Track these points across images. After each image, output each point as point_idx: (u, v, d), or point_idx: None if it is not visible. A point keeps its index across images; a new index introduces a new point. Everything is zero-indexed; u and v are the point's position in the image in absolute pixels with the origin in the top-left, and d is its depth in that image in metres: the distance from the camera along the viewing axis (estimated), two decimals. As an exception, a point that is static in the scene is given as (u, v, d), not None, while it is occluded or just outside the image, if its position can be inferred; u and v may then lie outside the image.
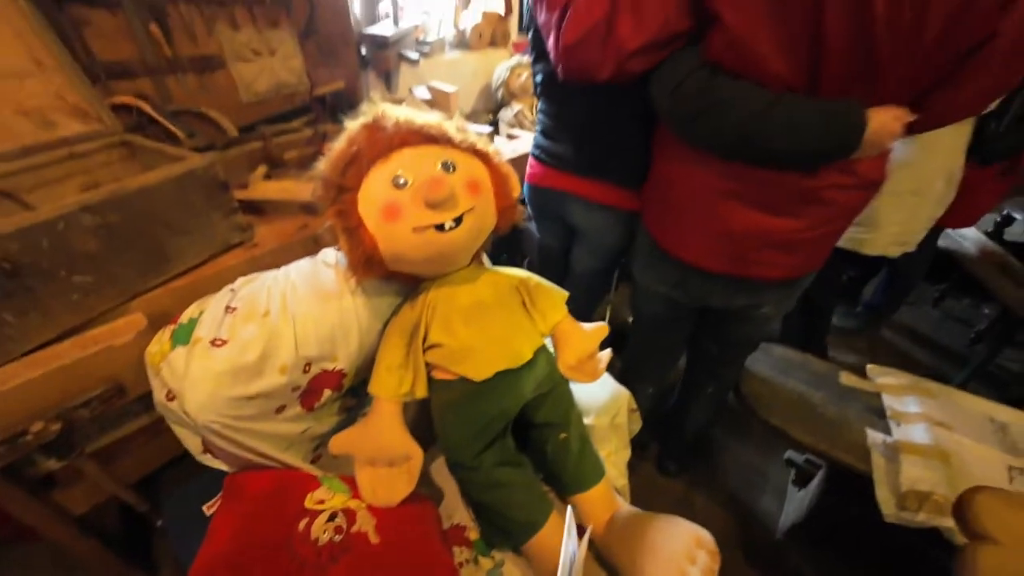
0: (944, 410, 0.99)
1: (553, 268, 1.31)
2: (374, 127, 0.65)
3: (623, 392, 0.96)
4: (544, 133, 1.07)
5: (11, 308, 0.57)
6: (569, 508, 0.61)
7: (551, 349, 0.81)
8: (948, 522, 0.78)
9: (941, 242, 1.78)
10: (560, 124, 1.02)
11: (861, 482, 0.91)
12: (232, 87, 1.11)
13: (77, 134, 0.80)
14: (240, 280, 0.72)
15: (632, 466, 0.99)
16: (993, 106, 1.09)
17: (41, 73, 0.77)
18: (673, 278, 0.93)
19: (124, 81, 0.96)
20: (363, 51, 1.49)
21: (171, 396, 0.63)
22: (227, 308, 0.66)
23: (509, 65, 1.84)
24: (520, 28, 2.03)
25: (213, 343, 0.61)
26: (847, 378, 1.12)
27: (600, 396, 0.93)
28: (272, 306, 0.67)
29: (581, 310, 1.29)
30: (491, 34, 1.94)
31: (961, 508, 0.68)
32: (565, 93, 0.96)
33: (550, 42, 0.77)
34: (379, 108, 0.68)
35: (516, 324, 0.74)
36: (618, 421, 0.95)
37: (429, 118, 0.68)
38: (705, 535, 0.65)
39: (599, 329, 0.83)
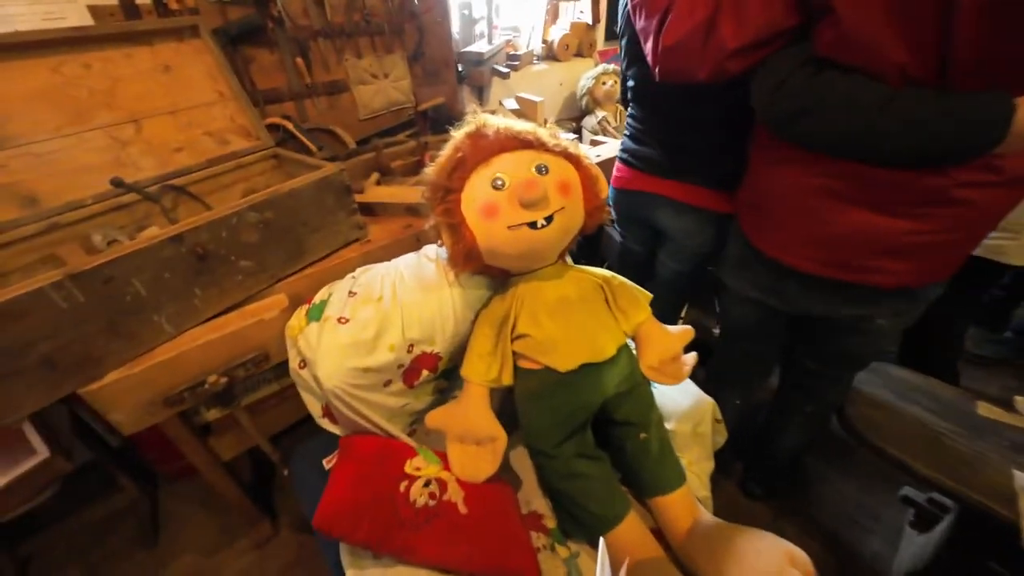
0: None
1: (633, 272, 1.29)
2: (477, 135, 0.72)
3: (707, 400, 0.93)
4: (632, 138, 1.08)
5: (200, 284, 0.73)
6: (601, 541, 0.61)
7: (633, 350, 0.82)
8: None
9: None
10: (650, 128, 1.02)
11: (1002, 531, 0.77)
12: (353, 106, 1.28)
13: (243, 149, 0.99)
14: (359, 269, 0.84)
15: (713, 483, 0.94)
16: None
17: (222, 102, 0.97)
18: (768, 282, 0.88)
19: (275, 105, 1.17)
20: (460, 68, 1.62)
21: (303, 364, 0.76)
22: (349, 293, 0.77)
23: (594, 74, 1.87)
24: (607, 37, 2.05)
25: (339, 320, 0.73)
26: (986, 409, 0.96)
27: (682, 402, 0.91)
28: (385, 293, 0.77)
29: (664, 316, 1.27)
30: (577, 44, 1.99)
31: None
32: (657, 97, 0.97)
33: (648, 45, 0.78)
34: (481, 118, 0.75)
35: (599, 321, 0.76)
36: (701, 430, 0.92)
37: (525, 125, 0.74)
38: (799, 553, 0.61)
39: (684, 332, 0.83)
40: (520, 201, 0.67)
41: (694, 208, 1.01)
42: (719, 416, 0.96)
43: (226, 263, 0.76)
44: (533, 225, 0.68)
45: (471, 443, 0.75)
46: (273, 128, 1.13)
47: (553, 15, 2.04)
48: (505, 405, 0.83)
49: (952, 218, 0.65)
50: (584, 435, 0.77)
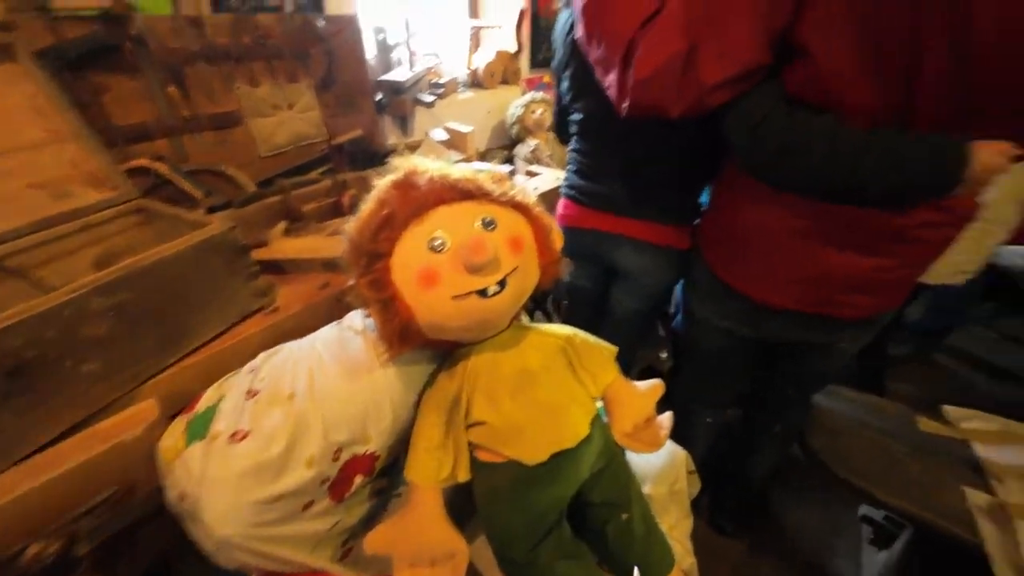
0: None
1: (585, 311, 1.23)
2: (406, 184, 0.59)
3: (680, 453, 0.87)
4: (581, 173, 1.01)
5: (10, 409, 0.51)
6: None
7: (603, 416, 0.72)
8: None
9: (996, 259, 1.67)
10: (602, 163, 0.96)
11: (957, 549, 0.79)
12: (250, 142, 1.08)
13: (92, 203, 0.76)
14: (262, 356, 0.66)
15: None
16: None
17: (57, 143, 0.74)
18: (740, 314, 0.86)
19: (142, 144, 0.94)
20: (379, 97, 1.48)
21: (185, 497, 0.56)
22: (248, 392, 0.59)
23: (523, 102, 1.82)
24: (532, 65, 2.03)
25: (233, 437, 0.54)
26: (925, 424, 1.00)
27: (656, 462, 0.83)
28: (298, 386, 0.60)
29: (622, 356, 1.21)
30: (503, 72, 1.93)
31: None
32: (612, 132, 0.91)
33: (611, 77, 0.72)
34: (410, 163, 0.63)
35: (568, 392, 0.65)
36: (677, 488, 0.85)
37: (464, 171, 0.63)
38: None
39: (654, 389, 0.75)
40: (467, 265, 0.54)
41: (655, 246, 0.95)
42: (692, 466, 0.90)
43: (56, 372, 0.54)
44: (483, 293, 0.56)
45: (425, 565, 0.60)
46: (141, 173, 0.90)
47: (475, 42, 1.98)
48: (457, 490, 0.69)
49: (912, 255, 0.69)
50: (560, 531, 0.65)
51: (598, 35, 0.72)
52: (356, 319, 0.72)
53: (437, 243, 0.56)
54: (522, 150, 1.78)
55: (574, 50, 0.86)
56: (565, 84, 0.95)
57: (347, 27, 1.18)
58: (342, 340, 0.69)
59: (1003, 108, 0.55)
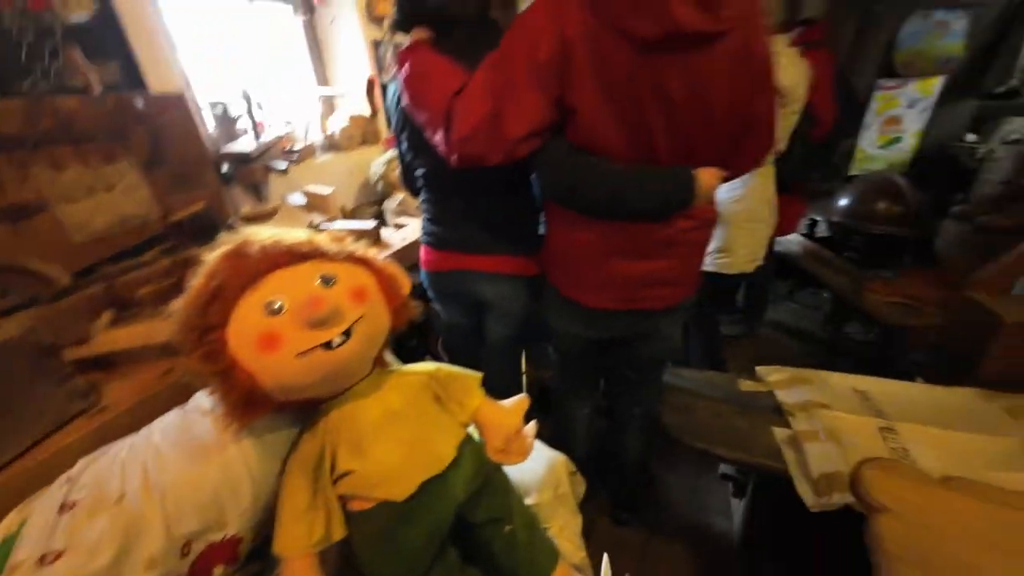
0: (821, 392, 1.14)
1: (464, 345, 1.30)
2: (236, 255, 0.61)
3: (559, 458, 0.95)
4: (433, 221, 1.10)
5: None
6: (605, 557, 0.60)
7: (476, 439, 0.78)
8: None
9: (777, 248, 2.17)
10: (447, 210, 1.07)
11: (781, 480, 0.98)
12: (59, 230, 0.97)
13: None
14: (81, 463, 0.59)
15: (588, 526, 0.96)
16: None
17: None
18: (581, 320, 1.01)
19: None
20: (225, 168, 1.44)
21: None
22: (62, 507, 0.52)
23: (385, 160, 1.91)
24: (389, 125, 2.14)
25: (43, 561, 0.48)
26: (744, 384, 1.24)
27: (537, 470, 0.90)
28: (129, 486, 0.55)
29: (504, 379, 1.30)
30: (361, 134, 2.01)
31: (855, 485, 0.76)
32: (450, 181, 1.02)
33: (438, 137, 0.84)
34: (244, 233, 0.65)
35: (433, 423, 0.70)
36: (561, 491, 0.92)
37: (299, 235, 0.66)
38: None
39: (520, 403, 0.82)
40: (307, 321, 0.57)
41: (507, 276, 1.07)
42: (573, 468, 0.99)
43: None
44: (328, 345, 0.59)
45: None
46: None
47: (329, 108, 2.04)
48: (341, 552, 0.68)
49: (685, 254, 0.90)
50: (445, 560, 0.67)
51: (421, 104, 0.85)
52: (203, 400, 0.68)
53: (275, 306, 0.58)
54: (390, 204, 1.85)
55: (406, 115, 0.97)
56: (404, 145, 1.06)
57: (174, 105, 1.15)
58: (185, 425, 0.65)
59: (707, 148, 0.79)
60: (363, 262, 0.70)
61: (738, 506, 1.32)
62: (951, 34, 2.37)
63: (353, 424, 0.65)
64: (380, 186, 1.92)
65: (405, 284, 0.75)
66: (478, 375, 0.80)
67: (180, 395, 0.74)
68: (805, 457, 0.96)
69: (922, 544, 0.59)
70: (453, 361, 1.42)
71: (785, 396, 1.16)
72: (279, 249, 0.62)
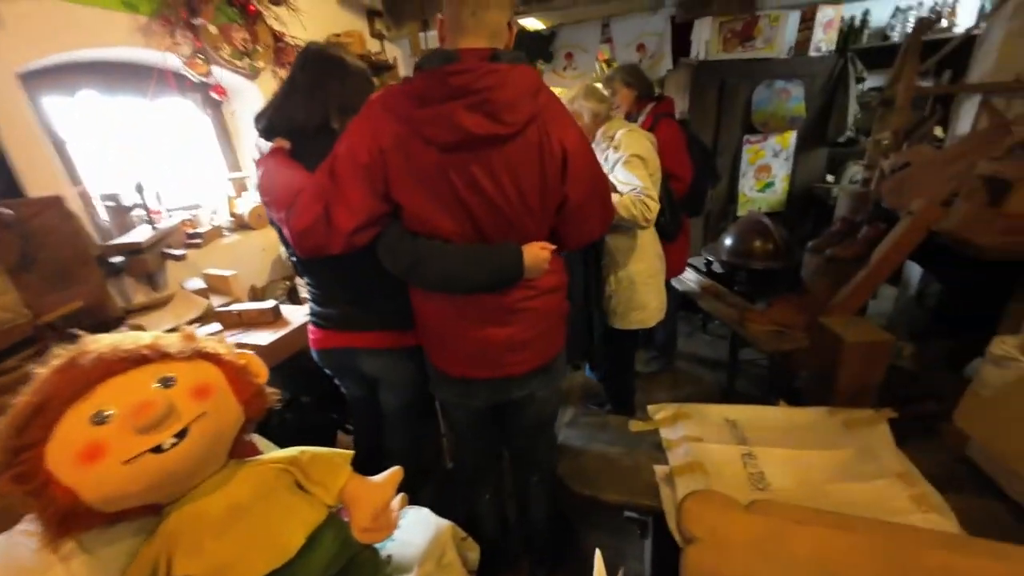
0: (698, 426, 1.24)
1: (369, 416, 1.31)
2: (68, 367, 0.62)
3: (444, 527, 0.96)
4: (315, 301, 1.16)
5: None
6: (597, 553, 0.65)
7: (344, 519, 0.78)
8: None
9: (679, 287, 2.38)
10: (324, 291, 1.13)
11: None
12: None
13: None
14: None
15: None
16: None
17: None
18: (457, 390, 1.07)
19: None
20: (117, 260, 1.43)
21: None
22: None
23: (297, 236, 1.96)
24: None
25: None
26: (635, 425, 1.32)
27: (418, 542, 0.91)
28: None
29: (403, 447, 1.30)
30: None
31: (677, 520, 0.84)
32: (324, 264, 1.08)
33: (286, 231, 0.94)
34: (80, 344, 0.66)
35: (284, 512, 0.71)
36: (447, 561, 0.93)
37: (141, 338, 0.68)
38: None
39: (392, 476, 0.84)
40: (136, 427, 0.59)
41: (387, 350, 1.12)
42: (463, 534, 1.00)
43: None
44: (158, 449, 0.60)
45: None
46: None
47: (239, 188, 2.09)
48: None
49: (531, 320, 0.97)
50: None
51: (271, 202, 0.99)
52: (29, 520, 0.66)
53: (103, 415, 0.59)
54: (301, 279, 1.88)
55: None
56: (279, 235, 1.13)
57: (49, 208, 1.16)
58: (8, 548, 0.62)
59: (530, 226, 0.91)
60: (211, 357, 0.73)
61: (646, 548, 1.36)
62: (793, 98, 2.85)
63: (195, 524, 0.65)
64: (293, 260, 1.95)
65: (260, 373, 0.79)
66: (347, 453, 0.82)
67: (6, 521, 0.70)
68: (676, 491, 1.04)
69: (718, 567, 0.66)
70: (359, 431, 1.42)
71: (667, 432, 1.25)
72: (116, 356, 0.64)
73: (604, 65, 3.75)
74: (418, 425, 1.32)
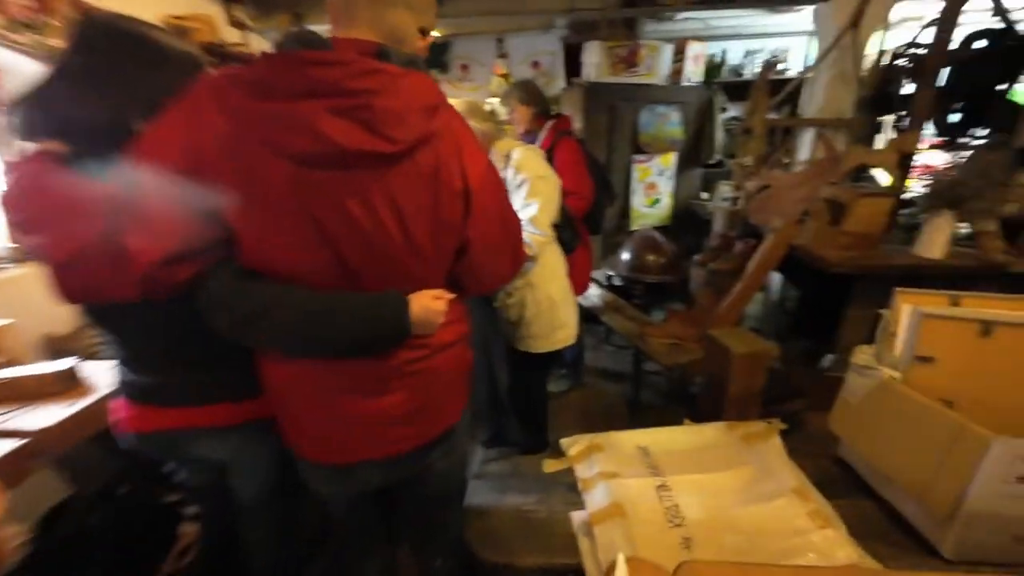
0: (611, 459, 1.18)
1: (219, 503, 1.01)
2: None
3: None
4: (126, 364, 0.84)
5: None
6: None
7: None
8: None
9: (584, 303, 2.39)
10: (139, 348, 0.82)
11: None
12: None
13: None
14: None
15: None
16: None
17: None
18: (328, 477, 0.83)
19: None
20: None
21: None
22: None
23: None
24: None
25: None
26: (548, 465, 1.22)
27: None
28: None
29: (272, 538, 1.02)
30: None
31: None
32: (126, 311, 0.78)
33: (43, 265, 0.67)
34: None
35: None
36: None
37: None
38: None
39: None
40: None
41: (236, 428, 0.85)
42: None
43: None
44: None
45: None
46: None
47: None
48: None
49: (421, 385, 0.77)
50: None
51: (21, 223, 0.69)
52: None
53: None
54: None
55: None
56: None
57: None
58: None
59: (423, 270, 0.72)
60: None
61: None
62: (671, 122, 3.11)
63: None
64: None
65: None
66: None
67: None
68: (595, 543, 0.95)
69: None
70: (208, 519, 1.09)
71: (582, 470, 1.17)
72: None
73: (502, 80, 3.76)
74: (285, 509, 1.04)
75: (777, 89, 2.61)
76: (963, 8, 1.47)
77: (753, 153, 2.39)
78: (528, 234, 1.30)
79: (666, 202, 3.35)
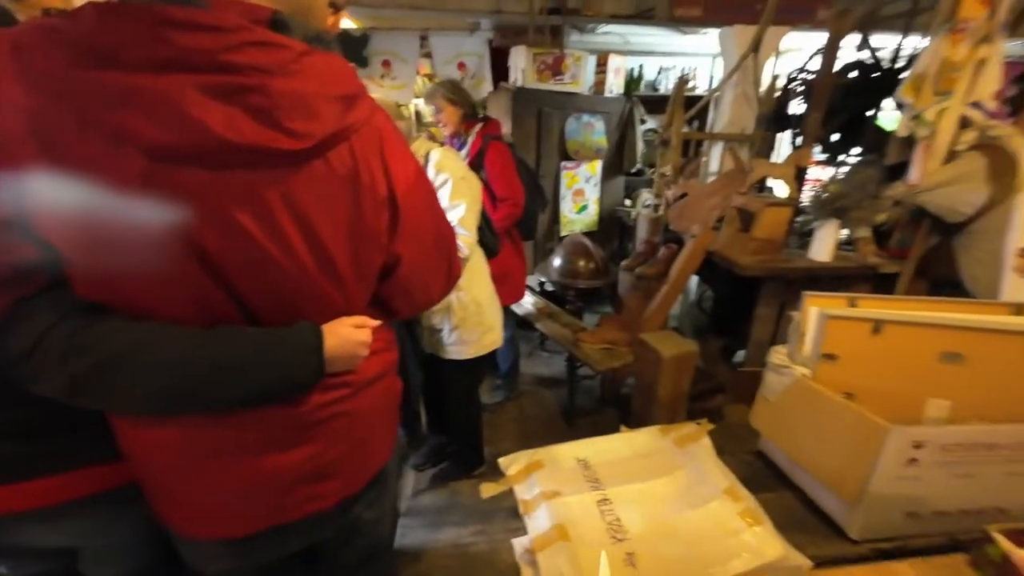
0: (551, 476, 1.13)
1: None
2: None
3: None
4: None
5: None
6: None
7: None
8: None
9: (519, 310, 2.36)
10: None
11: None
12: None
13: None
14: None
15: None
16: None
17: None
18: (224, 554, 0.65)
19: None
20: None
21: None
22: None
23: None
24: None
25: None
26: (486, 489, 1.14)
27: None
28: None
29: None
30: None
31: None
32: None
33: None
34: None
35: None
36: None
37: None
38: None
39: None
40: None
41: (72, 503, 0.64)
42: None
43: None
44: None
45: None
46: None
47: None
48: None
49: (341, 429, 0.65)
50: None
51: None
52: None
53: None
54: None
55: None
56: None
57: None
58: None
59: (327, 297, 0.59)
60: None
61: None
62: (597, 131, 3.22)
63: None
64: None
65: None
66: None
67: None
68: (539, 572, 0.89)
69: None
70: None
71: (522, 491, 1.10)
72: None
73: (426, 79, 3.63)
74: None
75: (690, 105, 2.81)
76: (842, 42, 1.69)
77: (671, 163, 2.53)
78: (459, 236, 1.23)
79: (592, 208, 3.45)
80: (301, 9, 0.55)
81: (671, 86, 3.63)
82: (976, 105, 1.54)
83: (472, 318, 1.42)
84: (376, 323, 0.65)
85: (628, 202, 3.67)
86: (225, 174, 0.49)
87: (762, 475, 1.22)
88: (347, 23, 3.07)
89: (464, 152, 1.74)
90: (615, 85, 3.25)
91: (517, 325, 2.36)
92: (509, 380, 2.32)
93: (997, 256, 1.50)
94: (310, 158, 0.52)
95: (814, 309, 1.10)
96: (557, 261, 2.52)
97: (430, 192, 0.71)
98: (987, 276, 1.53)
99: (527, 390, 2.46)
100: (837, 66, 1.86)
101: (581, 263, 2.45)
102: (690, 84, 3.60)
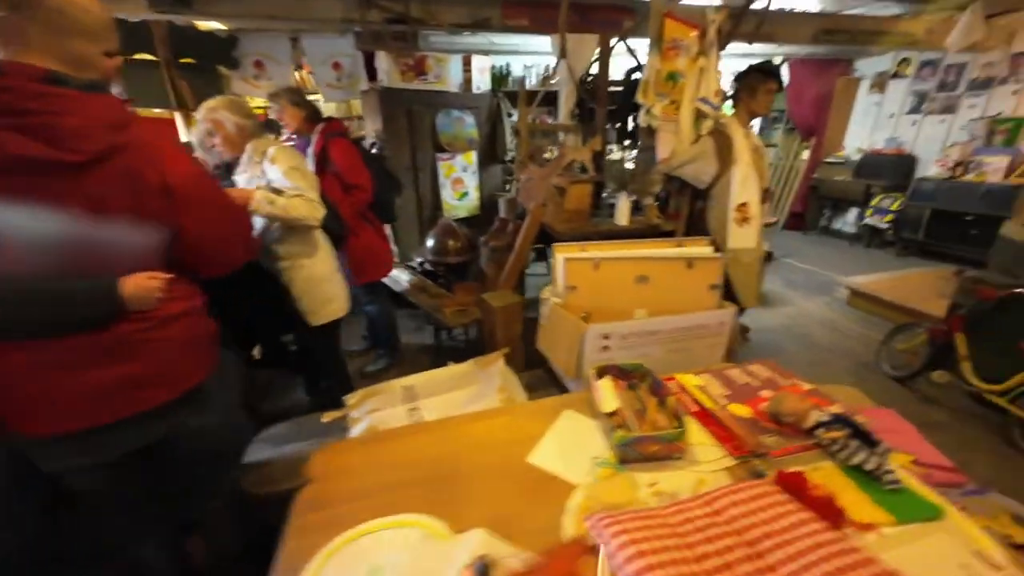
0: (380, 400, 1.47)
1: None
2: None
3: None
4: None
5: None
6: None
7: None
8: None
9: (396, 288, 2.65)
10: None
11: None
12: None
13: None
14: None
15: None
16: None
17: None
18: (71, 448, 0.88)
19: None
20: None
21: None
22: None
23: None
24: None
25: None
26: (326, 416, 1.46)
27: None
28: None
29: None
30: None
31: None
32: None
33: None
34: None
35: None
36: None
37: None
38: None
39: None
40: None
41: None
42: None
43: None
44: None
45: None
46: None
47: None
48: None
49: (153, 352, 0.91)
50: None
51: None
52: None
53: None
54: None
55: None
56: None
57: None
58: None
59: (136, 260, 0.87)
60: None
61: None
62: (468, 125, 3.56)
63: None
64: None
65: None
66: None
67: None
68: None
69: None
70: None
71: (355, 414, 1.43)
72: None
73: (310, 76, 3.73)
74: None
75: (544, 98, 3.24)
76: (612, 52, 2.17)
77: (523, 150, 2.95)
78: (307, 200, 1.49)
79: (473, 195, 3.81)
80: (80, 66, 0.81)
81: (534, 82, 4.08)
82: (704, 100, 2.09)
83: (312, 292, 1.68)
84: (168, 276, 0.91)
85: (508, 188, 4.08)
86: (32, 178, 0.76)
87: (545, 380, 1.65)
88: (215, 25, 3.10)
89: (309, 151, 1.99)
90: (482, 82, 3.61)
91: (399, 304, 2.66)
92: (389, 349, 2.62)
93: (725, 211, 2.07)
94: (92, 166, 0.80)
95: (559, 255, 1.53)
96: (430, 242, 2.84)
97: (208, 180, 0.99)
98: (720, 227, 2.10)
99: (411, 358, 2.78)
100: (624, 71, 2.35)
101: (450, 242, 2.80)
102: (553, 81, 4.06)
